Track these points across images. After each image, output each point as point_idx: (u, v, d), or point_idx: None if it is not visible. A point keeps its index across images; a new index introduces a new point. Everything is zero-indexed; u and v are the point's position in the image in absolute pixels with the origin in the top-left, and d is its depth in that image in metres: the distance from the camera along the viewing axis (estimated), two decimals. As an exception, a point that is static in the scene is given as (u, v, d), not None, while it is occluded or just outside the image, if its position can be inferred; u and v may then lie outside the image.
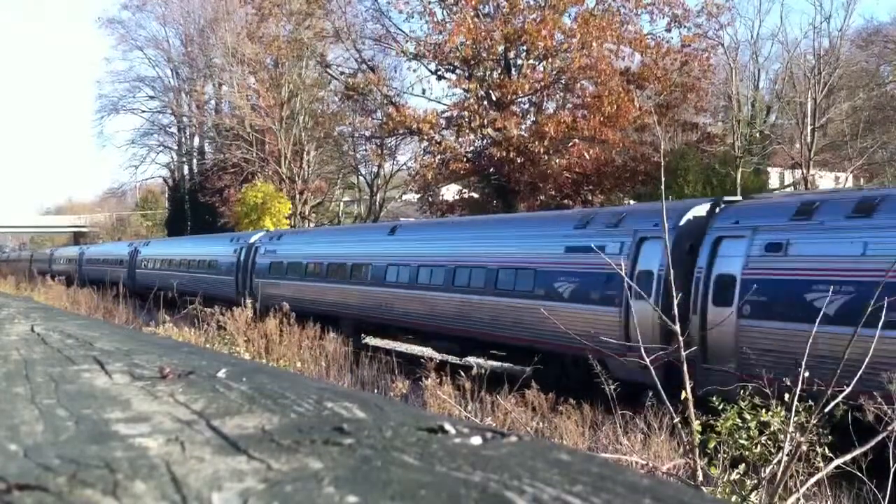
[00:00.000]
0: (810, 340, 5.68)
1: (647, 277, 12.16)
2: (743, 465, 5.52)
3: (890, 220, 9.97)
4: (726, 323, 10.71)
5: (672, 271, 6.07)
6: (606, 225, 13.81)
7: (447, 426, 0.95)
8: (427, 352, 15.78)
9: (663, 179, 7.86)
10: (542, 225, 16.27)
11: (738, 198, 14.59)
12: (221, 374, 1.44)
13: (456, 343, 16.28)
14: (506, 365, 14.80)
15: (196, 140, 65.16)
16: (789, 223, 11.12)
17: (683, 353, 5.15)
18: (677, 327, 5.18)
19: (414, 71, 34.18)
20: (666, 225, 6.75)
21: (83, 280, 33.30)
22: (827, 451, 5.59)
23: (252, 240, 26.56)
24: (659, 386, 5.38)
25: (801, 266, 10.56)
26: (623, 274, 7.06)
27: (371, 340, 18.86)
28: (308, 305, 18.23)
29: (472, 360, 15.50)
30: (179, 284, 21.45)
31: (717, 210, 12.51)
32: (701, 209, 12.73)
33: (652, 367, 5.39)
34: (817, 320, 6.37)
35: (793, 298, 10.35)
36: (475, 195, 33.46)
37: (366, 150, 43.84)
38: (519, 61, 31.16)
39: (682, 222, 12.39)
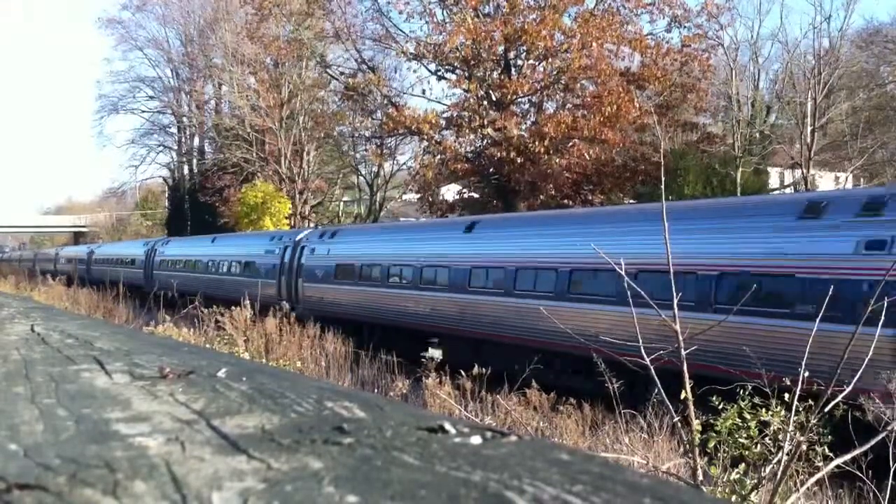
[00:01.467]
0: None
1: (283, 265, 23.97)
2: (743, 464, 5.51)
3: (343, 239, 22.30)
4: (301, 286, 22.82)
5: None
6: (279, 239, 25.64)
7: (447, 426, 0.95)
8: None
9: (663, 179, 7.85)
10: (259, 238, 29.31)
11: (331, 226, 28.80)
12: (221, 373, 1.44)
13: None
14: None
15: (196, 140, 65.11)
16: (318, 239, 23.04)
17: (683, 353, 5.14)
18: (677, 326, 5.18)
19: (414, 71, 34.21)
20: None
21: (56, 274, 37.43)
22: (827, 450, 5.60)
23: (154, 244, 38.18)
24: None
25: (318, 258, 22.27)
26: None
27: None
28: (182, 288, 27.17)
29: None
30: (115, 274, 30.54)
31: (308, 232, 24.72)
32: (305, 233, 24.74)
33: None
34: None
35: (315, 274, 22.15)
36: (475, 195, 33.39)
37: (366, 150, 43.78)
38: (519, 61, 31.12)
39: (298, 238, 24.12)
